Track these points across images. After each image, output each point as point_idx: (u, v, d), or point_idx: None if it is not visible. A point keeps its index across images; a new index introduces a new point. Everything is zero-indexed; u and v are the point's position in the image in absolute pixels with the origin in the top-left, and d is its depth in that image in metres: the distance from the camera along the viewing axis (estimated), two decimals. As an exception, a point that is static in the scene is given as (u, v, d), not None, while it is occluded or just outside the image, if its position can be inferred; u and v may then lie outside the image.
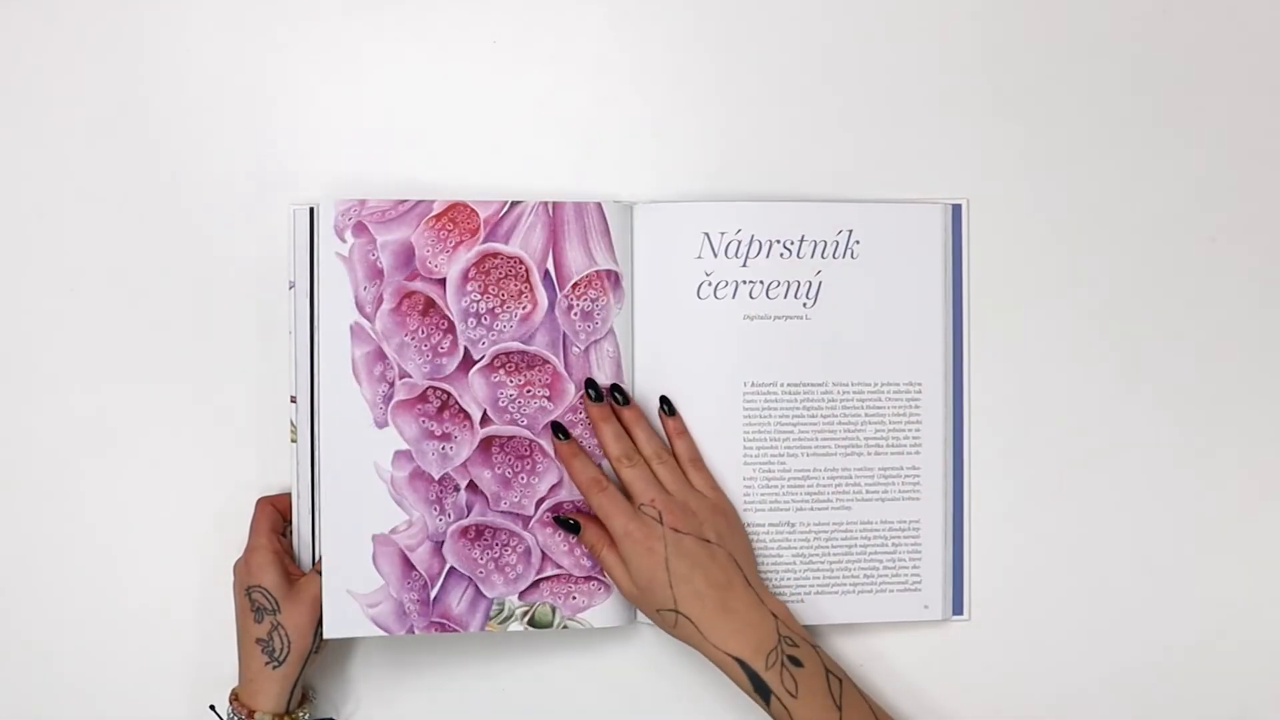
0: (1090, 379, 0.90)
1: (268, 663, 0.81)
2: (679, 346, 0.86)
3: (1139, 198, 0.90)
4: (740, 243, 0.86)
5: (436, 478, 0.84)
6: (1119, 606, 0.90)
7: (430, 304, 0.84)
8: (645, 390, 0.86)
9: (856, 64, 0.89)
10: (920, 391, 0.88)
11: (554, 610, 0.85)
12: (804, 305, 0.87)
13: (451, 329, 0.84)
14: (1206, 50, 0.90)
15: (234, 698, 0.82)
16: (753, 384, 0.86)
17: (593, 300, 0.84)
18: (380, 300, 0.84)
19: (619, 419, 0.84)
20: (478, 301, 0.84)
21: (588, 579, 0.85)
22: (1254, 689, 0.90)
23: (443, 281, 0.84)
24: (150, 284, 0.87)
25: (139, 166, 0.87)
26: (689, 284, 0.86)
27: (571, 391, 0.84)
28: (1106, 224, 0.90)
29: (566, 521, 0.84)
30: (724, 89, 0.89)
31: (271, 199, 0.87)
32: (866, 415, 0.87)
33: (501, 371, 0.84)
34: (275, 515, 0.85)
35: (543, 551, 0.85)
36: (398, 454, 0.84)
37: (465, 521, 0.84)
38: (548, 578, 0.85)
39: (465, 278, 0.84)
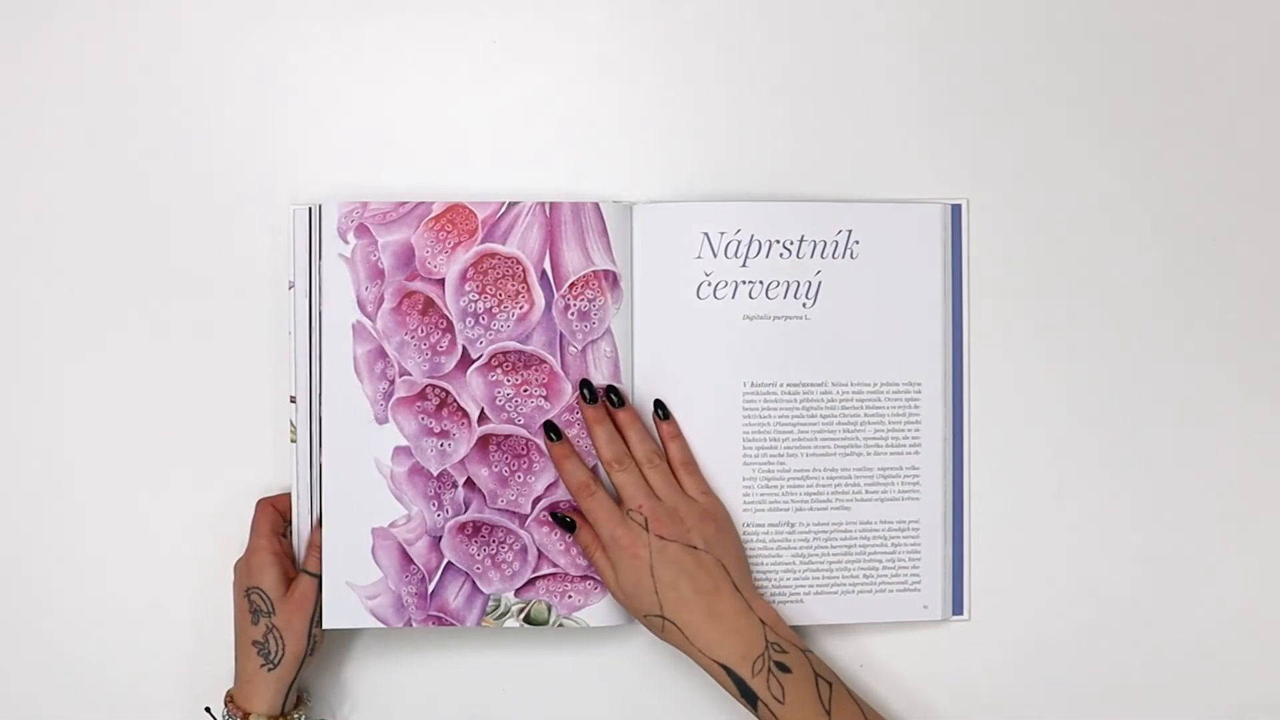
0: (1089, 379, 0.89)
1: (263, 665, 0.82)
2: (678, 347, 0.86)
3: (1139, 198, 0.90)
4: (740, 243, 0.86)
5: (435, 474, 0.85)
6: (1119, 606, 0.89)
7: (429, 303, 0.85)
8: (644, 390, 0.86)
9: (856, 64, 0.89)
10: (920, 391, 0.88)
11: (550, 608, 0.85)
12: (804, 305, 0.87)
13: (450, 328, 0.85)
14: (1206, 50, 0.90)
15: (229, 699, 0.83)
16: (752, 384, 0.86)
17: (590, 300, 0.85)
18: (381, 300, 0.85)
19: (614, 421, 0.85)
20: (475, 301, 0.85)
21: (583, 578, 0.85)
22: (1254, 689, 0.90)
23: (442, 281, 0.85)
24: (149, 284, 0.88)
25: (138, 166, 0.88)
26: (688, 284, 0.86)
27: (568, 391, 0.85)
28: (1106, 224, 0.90)
29: (563, 519, 0.85)
30: (724, 89, 0.89)
31: (271, 199, 0.87)
32: (866, 415, 0.87)
33: (499, 370, 0.85)
34: (275, 516, 0.85)
35: (539, 550, 0.85)
36: (397, 450, 0.85)
37: (463, 518, 0.85)
38: (544, 576, 0.85)
39: (463, 278, 0.85)
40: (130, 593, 0.88)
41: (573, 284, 0.85)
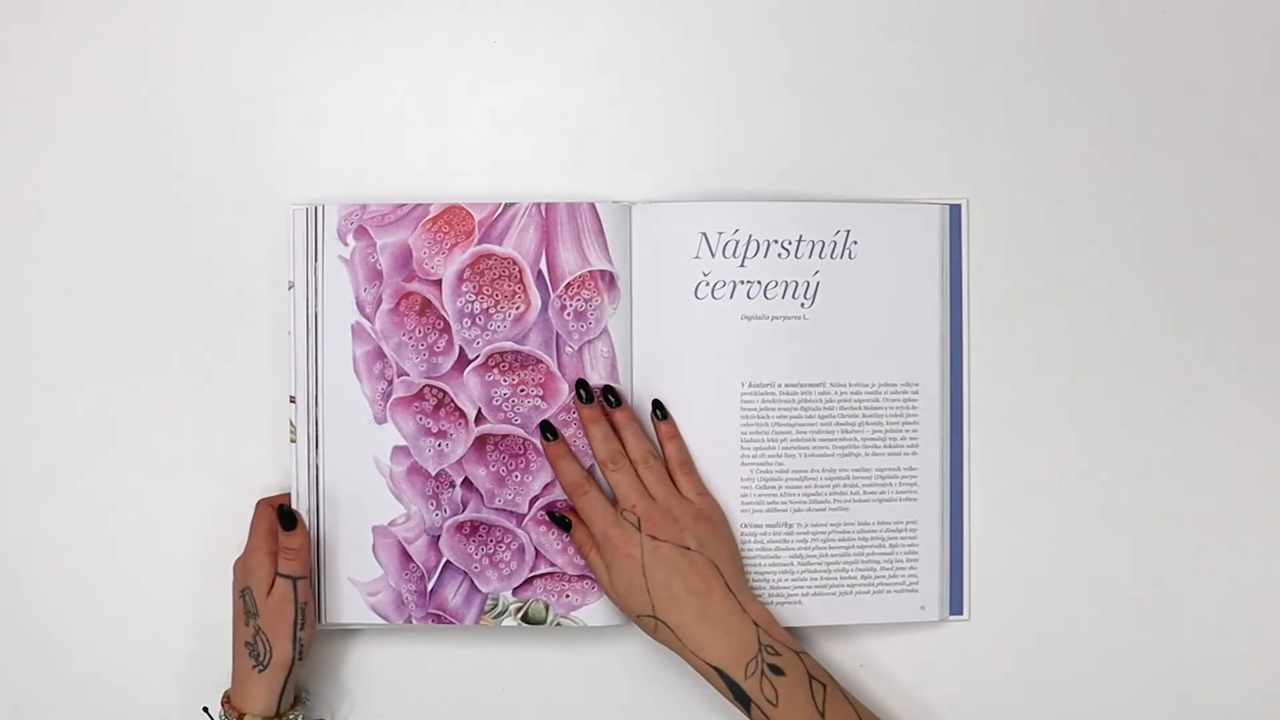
0: (1088, 379, 0.89)
1: (254, 666, 0.82)
2: (677, 346, 0.86)
3: (1139, 198, 0.89)
4: (738, 243, 0.86)
5: (433, 473, 0.86)
6: (1118, 606, 0.89)
7: (427, 304, 0.85)
8: (642, 390, 0.86)
9: (855, 64, 0.89)
10: (918, 392, 0.88)
11: (547, 608, 0.86)
12: (802, 305, 0.87)
13: (447, 329, 0.85)
14: (1206, 50, 0.89)
15: (226, 700, 0.83)
16: (750, 384, 0.86)
17: (586, 301, 0.85)
18: (380, 301, 0.85)
19: (611, 421, 0.85)
20: (472, 302, 0.85)
21: (581, 578, 0.86)
22: (1254, 689, 0.89)
23: (439, 282, 0.85)
24: (149, 284, 0.89)
25: (138, 167, 0.89)
26: (687, 284, 0.86)
27: (565, 391, 0.85)
28: (1105, 224, 0.89)
29: (559, 518, 0.85)
30: (722, 89, 0.89)
31: (271, 200, 0.88)
32: (864, 416, 0.87)
33: (495, 371, 0.85)
34: (274, 516, 0.85)
35: (536, 549, 0.86)
36: (396, 449, 0.86)
37: (460, 517, 0.86)
38: (541, 575, 0.86)
39: (460, 279, 0.85)
40: (129, 592, 0.89)
41: (569, 284, 0.85)
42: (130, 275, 0.89)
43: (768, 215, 0.87)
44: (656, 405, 0.86)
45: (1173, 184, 0.89)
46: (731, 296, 0.86)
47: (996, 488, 0.89)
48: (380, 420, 0.86)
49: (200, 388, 0.89)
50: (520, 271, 0.85)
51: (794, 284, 0.87)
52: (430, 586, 0.86)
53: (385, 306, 0.85)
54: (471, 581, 0.86)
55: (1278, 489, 0.89)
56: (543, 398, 0.85)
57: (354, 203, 0.86)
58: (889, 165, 0.89)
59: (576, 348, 0.85)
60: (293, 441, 0.86)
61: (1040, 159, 0.89)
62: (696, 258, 0.86)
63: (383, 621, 0.86)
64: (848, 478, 0.87)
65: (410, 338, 0.85)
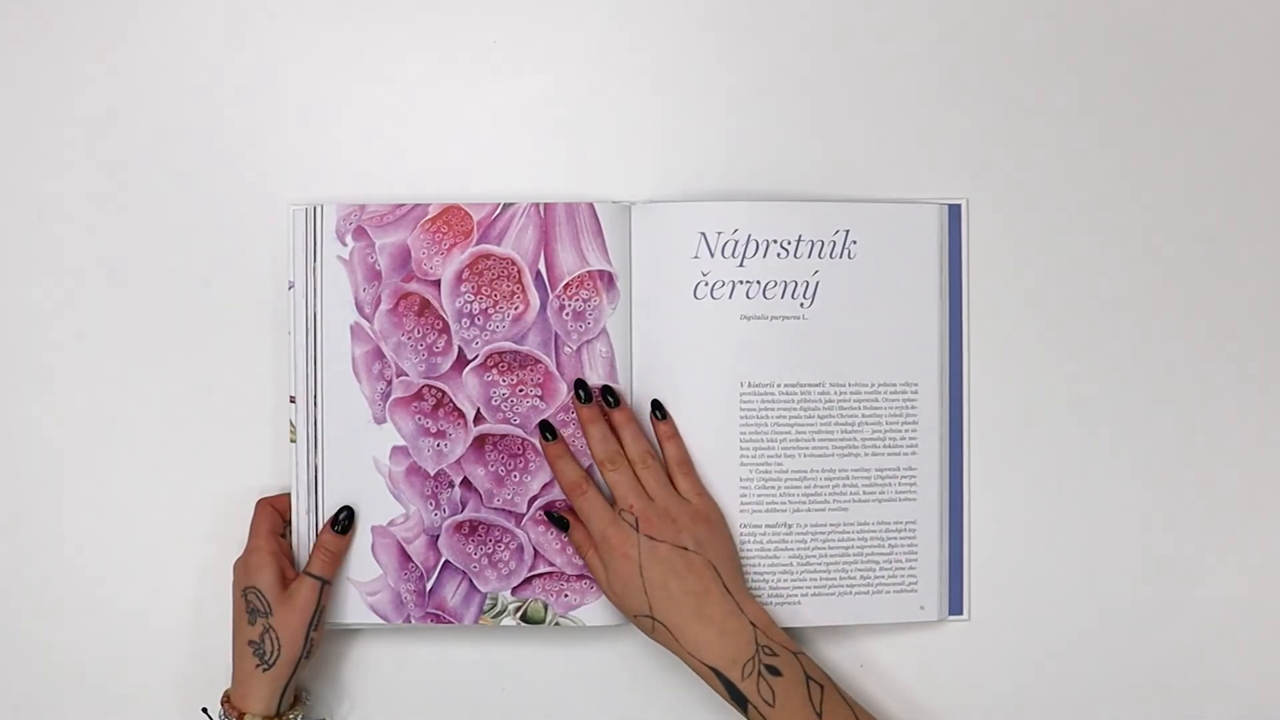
0: (1088, 379, 0.89)
1: (258, 665, 0.82)
2: (676, 347, 0.86)
3: (1138, 197, 0.89)
4: (737, 243, 0.86)
5: (432, 473, 0.86)
6: (1118, 606, 0.89)
7: (426, 304, 0.85)
8: (642, 390, 0.86)
9: (854, 63, 0.89)
10: (917, 392, 0.87)
11: (546, 607, 0.86)
12: (801, 305, 0.87)
13: (446, 329, 0.85)
14: (1206, 50, 0.89)
15: (225, 699, 0.83)
16: (749, 384, 0.86)
17: (585, 300, 0.85)
18: (379, 301, 0.86)
19: (609, 421, 0.85)
20: (471, 302, 0.85)
21: (580, 577, 0.86)
22: (1255, 689, 0.89)
23: (437, 283, 0.85)
24: (149, 284, 0.89)
25: (138, 167, 0.89)
26: (686, 284, 0.86)
27: (564, 391, 0.85)
28: (1105, 224, 0.89)
29: (558, 518, 0.85)
30: (721, 89, 0.89)
31: (271, 200, 0.88)
32: (863, 416, 0.87)
33: (494, 371, 0.85)
34: (275, 516, 0.86)
35: (535, 549, 0.86)
36: (395, 449, 0.86)
37: (459, 517, 0.86)
38: (540, 575, 0.86)
39: (459, 279, 0.85)
40: (129, 592, 0.89)
41: (568, 284, 0.85)
42: (130, 275, 0.89)
43: (767, 215, 0.87)
44: (655, 405, 0.86)
45: (1173, 184, 0.89)
46: (731, 296, 0.86)
47: (996, 488, 0.89)
48: (379, 420, 0.86)
49: (200, 388, 0.89)
50: (519, 271, 0.85)
51: (793, 284, 0.87)
52: (429, 586, 0.86)
53: (384, 307, 0.85)
54: (470, 581, 0.86)
55: (1278, 489, 0.89)
56: (541, 398, 0.85)
57: (353, 203, 0.86)
58: (889, 165, 0.89)
59: (575, 348, 0.85)
60: (293, 441, 0.86)
61: (1040, 159, 0.89)
62: (695, 258, 0.86)
63: (382, 621, 0.86)
64: (847, 478, 0.87)
65: (409, 338, 0.86)
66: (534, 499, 0.86)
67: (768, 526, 0.86)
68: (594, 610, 0.86)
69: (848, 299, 0.87)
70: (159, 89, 0.89)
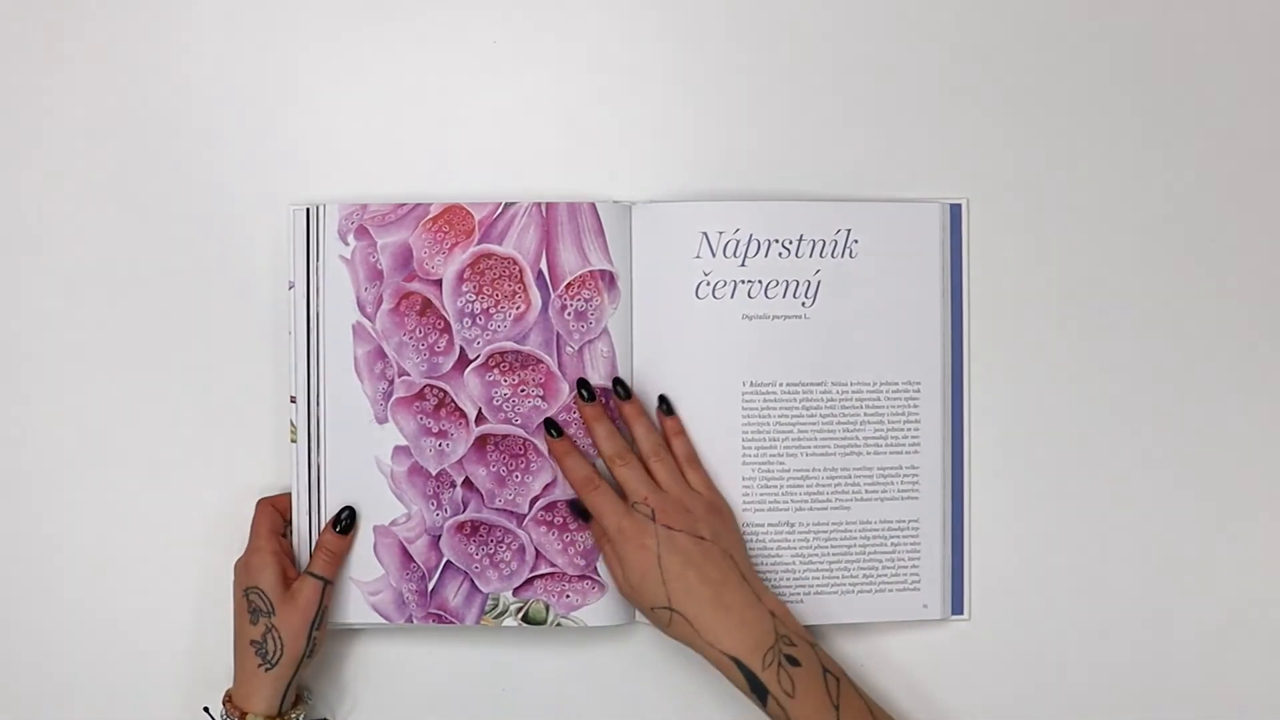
0: (1089, 378, 0.89)
1: (260, 665, 0.82)
2: (678, 346, 0.86)
3: (1139, 198, 0.89)
4: (739, 242, 0.86)
5: (433, 473, 0.86)
6: (1119, 606, 0.89)
7: (427, 304, 0.85)
8: (644, 390, 0.86)
9: (855, 63, 0.89)
10: (919, 391, 0.87)
11: (547, 608, 0.86)
12: (802, 305, 0.87)
13: (447, 329, 0.85)
14: (1206, 50, 0.89)
15: (227, 699, 0.83)
16: (751, 384, 0.86)
17: (586, 300, 0.85)
18: (380, 301, 0.85)
19: (620, 413, 0.85)
20: (473, 302, 0.85)
21: (581, 578, 0.86)
22: (1255, 689, 0.89)
23: (439, 282, 0.85)
24: (150, 284, 0.89)
25: (138, 167, 0.89)
26: (687, 284, 0.86)
27: (565, 391, 0.85)
28: (1106, 224, 0.89)
29: (583, 510, 0.84)
30: (722, 89, 0.89)
31: (271, 200, 0.88)
32: (865, 415, 0.87)
33: (496, 371, 0.85)
34: (275, 516, 0.86)
35: (536, 549, 0.86)
36: (397, 449, 0.86)
37: (461, 517, 0.86)
38: (541, 575, 0.86)
39: (460, 278, 0.85)
40: (130, 592, 0.89)
41: (569, 284, 0.85)
42: (130, 275, 0.89)
43: (768, 214, 0.87)
44: (662, 400, 0.86)
45: (1173, 184, 0.89)
46: (732, 296, 0.86)
47: (997, 486, 0.89)
48: (381, 420, 0.86)
49: (200, 388, 0.89)
50: (520, 271, 0.85)
51: (795, 283, 0.87)
52: (431, 586, 0.86)
53: (386, 306, 0.85)
54: (472, 581, 0.86)
55: (1278, 489, 0.89)
56: (543, 398, 0.85)
57: (354, 202, 0.86)
58: (889, 165, 0.89)
59: (577, 348, 0.85)
60: (293, 441, 0.86)
61: (1040, 159, 0.89)
62: (697, 257, 0.86)
63: (384, 621, 0.86)
64: (849, 476, 0.87)
65: (411, 337, 0.85)
66: (535, 499, 0.86)
67: (770, 525, 0.86)
68: (595, 610, 0.86)
69: (849, 298, 0.87)
70: (159, 89, 0.89)
